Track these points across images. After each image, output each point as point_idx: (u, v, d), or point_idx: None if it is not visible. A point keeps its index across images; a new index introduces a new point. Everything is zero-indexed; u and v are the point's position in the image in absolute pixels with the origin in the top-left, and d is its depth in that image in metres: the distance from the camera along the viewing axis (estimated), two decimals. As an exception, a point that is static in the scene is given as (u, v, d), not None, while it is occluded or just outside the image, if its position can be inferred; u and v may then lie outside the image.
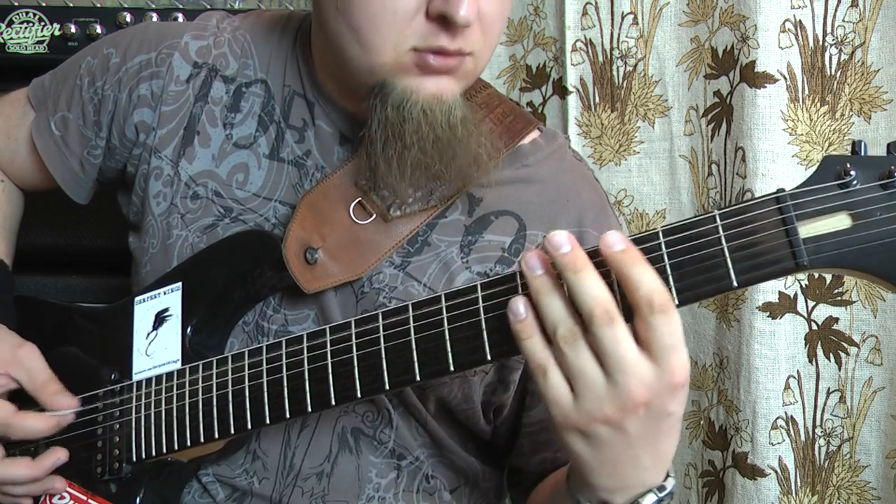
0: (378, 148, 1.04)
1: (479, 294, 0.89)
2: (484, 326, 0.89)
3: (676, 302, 0.82)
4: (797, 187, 0.80)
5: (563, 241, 0.82)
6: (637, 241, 0.84)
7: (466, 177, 1.10)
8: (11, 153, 1.33)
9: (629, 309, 0.81)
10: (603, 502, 0.90)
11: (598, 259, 0.82)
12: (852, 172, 0.78)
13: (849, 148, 1.51)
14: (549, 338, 0.84)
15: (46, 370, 1.16)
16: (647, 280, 0.79)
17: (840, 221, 0.78)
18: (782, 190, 0.80)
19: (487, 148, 1.08)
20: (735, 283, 0.80)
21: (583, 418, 0.83)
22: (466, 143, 1.05)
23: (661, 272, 0.82)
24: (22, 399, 1.16)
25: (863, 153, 0.80)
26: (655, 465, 0.88)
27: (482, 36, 1.02)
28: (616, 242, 0.80)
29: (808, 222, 0.79)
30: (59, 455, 1.13)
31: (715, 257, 0.81)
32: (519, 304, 0.84)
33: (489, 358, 0.90)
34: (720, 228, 0.81)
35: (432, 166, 1.06)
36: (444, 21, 0.97)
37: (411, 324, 0.93)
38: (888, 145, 0.78)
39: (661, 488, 0.90)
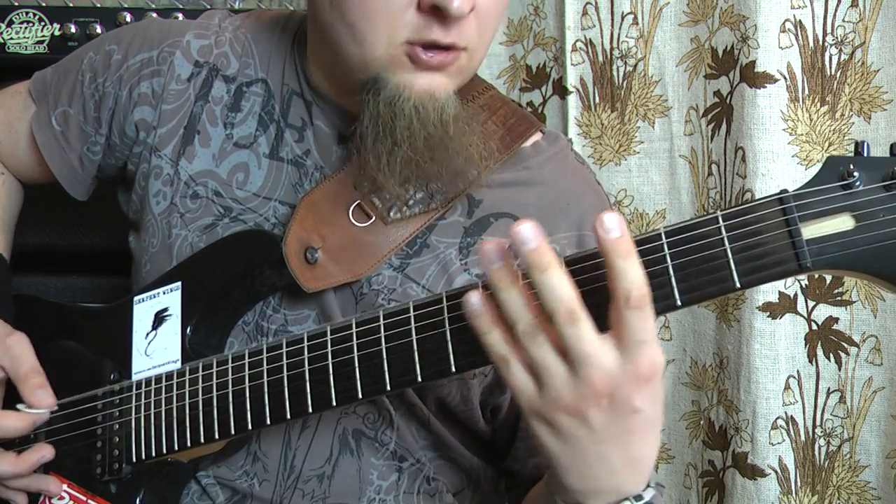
0: (368, 144, 1.04)
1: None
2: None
3: (679, 303, 0.82)
4: (800, 188, 0.80)
5: (529, 236, 0.78)
6: (639, 243, 0.83)
7: (458, 175, 1.09)
8: (12, 146, 1.33)
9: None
10: None
11: (590, 262, 0.83)
12: (855, 174, 0.78)
13: (849, 148, 1.53)
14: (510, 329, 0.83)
15: (32, 361, 1.16)
16: (630, 274, 0.78)
17: (843, 223, 0.78)
18: (785, 191, 0.80)
19: (479, 147, 1.08)
20: (738, 285, 0.80)
21: (546, 406, 0.82)
22: (458, 141, 1.05)
23: (664, 273, 0.82)
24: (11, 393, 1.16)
25: (866, 154, 0.80)
26: (628, 469, 0.86)
27: (477, 30, 1.02)
28: (613, 229, 0.77)
29: (811, 223, 0.78)
30: (43, 452, 1.14)
31: (718, 258, 0.80)
32: (472, 299, 0.83)
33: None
34: (723, 229, 0.80)
35: (423, 164, 1.05)
36: (436, 13, 0.96)
37: (412, 324, 0.93)
38: (891, 146, 0.78)
39: (637, 497, 0.88)
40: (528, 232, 0.78)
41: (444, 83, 1.03)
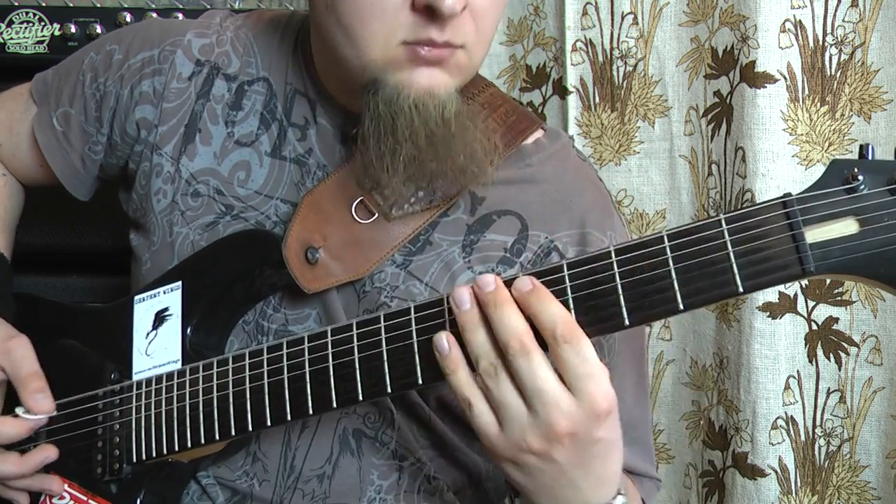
0: (370, 144, 1.03)
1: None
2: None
3: (681, 307, 0.82)
4: (804, 192, 0.80)
5: (490, 280, 0.86)
6: (642, 245, 0.84)
7: (462, 172, 1.08)
8: (13, 147, 1.33)
9: None
10: None
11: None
12: (860, 177, 0.77)
13: (849, 148, 1.53)
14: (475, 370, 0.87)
15: (33, 365, 1.15)
16: (549, 310, 0.83)
17: (847, 227, 0.77)
18: (789, 194, 0.79)
19: (483, 143, 1.07)
20: (741, 289, 0.80)
21: (510, 448, 0.87)
22: (461, 137, 1.04)
23: (666, 276, 0.82)
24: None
25: (870, 157, 0.79)
26: (595, 486, 0.90)
27: (473, 28, 1.01)
28: (524, 285, 0.85)
29: (815, 227, 0.78)
30: (47, 453, 1.13)
31: (721, 262, 0.80)
32: (443, 340, 0.88)
33: None
34: (726, 233, 0.80)
35: (426, 162, 1.05)
36: (430, 12, 0.96)
37: (413, 326, 0.93)
38: None
39: None
40: (488, 278, 0.86)
41: (444, 80, 1.03)
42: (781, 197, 0.80)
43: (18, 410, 1.13)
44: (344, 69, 1.06)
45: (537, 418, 0.84)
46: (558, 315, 0.83)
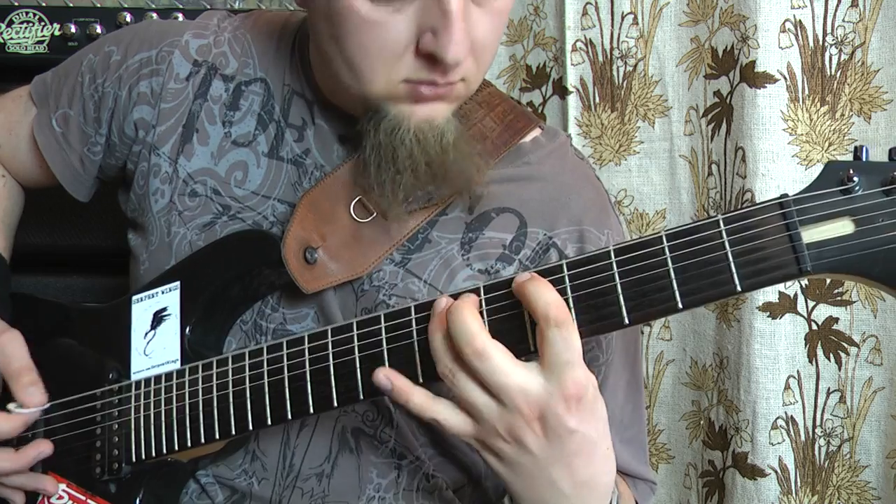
0: (371, 171, 1.05)
1: (482, 297, 0.90)
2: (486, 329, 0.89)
3: (680, 306, 0.83)
4: (800, 193, 0.81)
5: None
6: (641, 245, 0.85)
7: (460, 193, 1.12)
8: (13, 149, 1.33)
9: None
10: None
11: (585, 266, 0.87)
12: (855, 178, 0.78)
13: (849, 148, 1.53)
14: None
15: (25, 359, 1.15)
16: (545, 295, 0.83)
17: (843, 227, 0.78)
18: (786, 195, 0.81)
19: (480, 165, 1.09)
20: (739, 288, 0.81)
21: (485, 435, 0.88)
22: (459, 163, 1.06)
23: (665, 276, 0.83)
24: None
25: (865, 159, 0.80)
26: (580, 492, 0.91)
27: (474, 62, 1.02)
28: (523, 276, 0.86)
29: (812, 227, 0.79)
30: (41, 448, 1.13)
31: (719, 262, 0.81)
32: (379, 377, 0.91)
33: None
34: (724, 233, 0.81)
35: (425, 186, 1.07)
36: (433, 58, 0.97)
37: (413, 326, 0.93)
38: (890, 151, 0.79)
39: None
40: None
41: (442, 109, 1.04)
42: (778, 198, 0.81)
43: (11, 406, 1.13)
44: (344, 94, 1.07)
45: (504, 407, 0.85)
46: (553, 299, 0.83)
